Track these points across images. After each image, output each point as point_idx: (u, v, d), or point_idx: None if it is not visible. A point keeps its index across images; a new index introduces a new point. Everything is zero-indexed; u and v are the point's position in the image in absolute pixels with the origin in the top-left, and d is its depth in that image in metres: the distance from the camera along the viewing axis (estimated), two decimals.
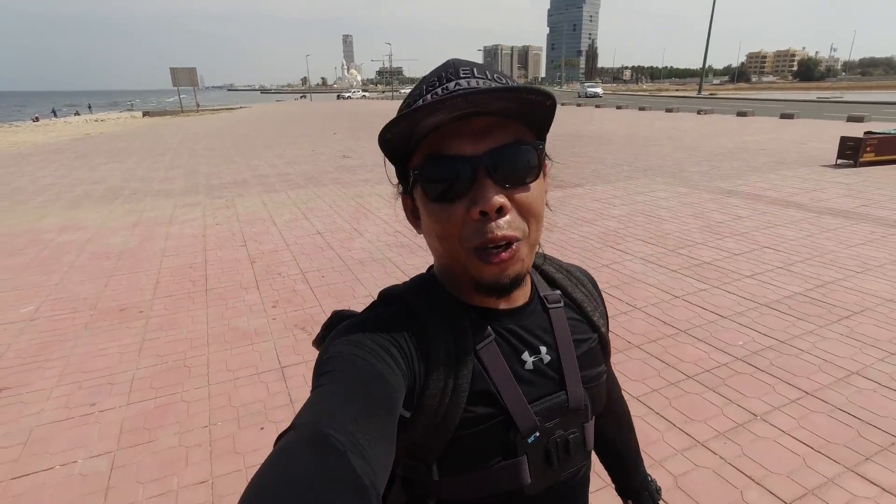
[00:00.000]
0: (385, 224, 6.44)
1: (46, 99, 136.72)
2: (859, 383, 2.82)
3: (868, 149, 9.32)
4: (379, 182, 9.30)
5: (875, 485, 2.11)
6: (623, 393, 0.97)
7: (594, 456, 0.78)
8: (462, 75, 0.56)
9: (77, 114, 49.45)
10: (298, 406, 2.73)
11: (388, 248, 5.45)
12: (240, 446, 2.47)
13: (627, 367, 3.06)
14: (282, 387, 2.95)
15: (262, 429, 2.60)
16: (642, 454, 0.96)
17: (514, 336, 0.64)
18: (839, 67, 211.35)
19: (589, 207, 6.97)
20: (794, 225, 5.84)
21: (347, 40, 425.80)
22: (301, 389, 2.92)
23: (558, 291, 0.72)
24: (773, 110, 23.87)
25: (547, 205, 0.62)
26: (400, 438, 0.51)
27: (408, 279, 0.68)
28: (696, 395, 2.77)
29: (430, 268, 0.70)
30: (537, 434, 0.62)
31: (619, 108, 30.09)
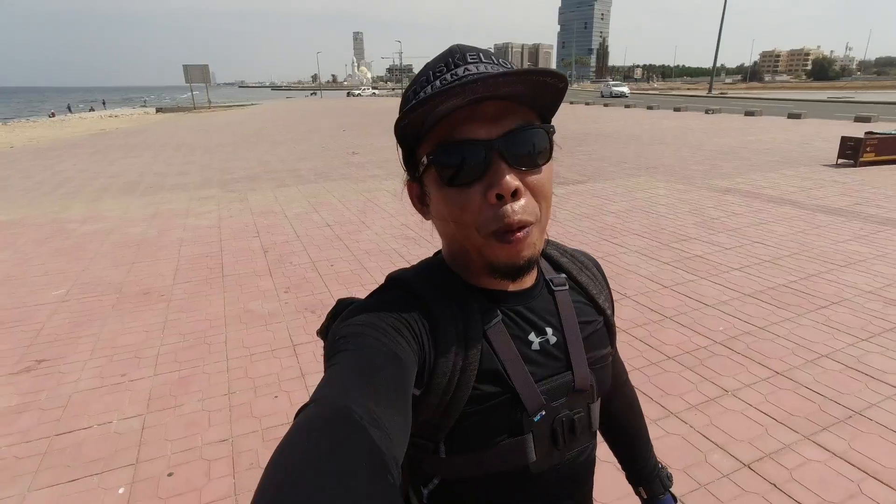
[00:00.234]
0: (391, 217, 6.71)
1: (62, 95, 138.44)
2: (827, 364, 3.04)
3: (868, 149, 9.44)
4: (386, 177, 9.58)
5: (826, 450, 2.33)
6: None
7: (604, 448, 0.81)
8: (470, 60, 0.57)
9: (92, 109, 50.36)
10: (309, 379, 3.03)
11: (393, 240, 5.72)
12: (256, 412, 2.74)
13: None
14: (294, 362, 3.23)
15: (276, 397, 2.87)
16: None
17: (520, 317, 0.65)
18: (854, 67, 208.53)
19: (589, 203, 7.18)
20: (787, 222, 6.02)
21: (358, 37, 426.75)
22: (312, 365, 3.19)
23: (563, 275, 0.73)
24: (781, 110, 23.79)
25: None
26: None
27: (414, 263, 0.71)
28: (674, 374, 3.00)
29: (437, 252, 0.71)
30: (543, 413, 0.63)
31: (627, 107, 30.20)
